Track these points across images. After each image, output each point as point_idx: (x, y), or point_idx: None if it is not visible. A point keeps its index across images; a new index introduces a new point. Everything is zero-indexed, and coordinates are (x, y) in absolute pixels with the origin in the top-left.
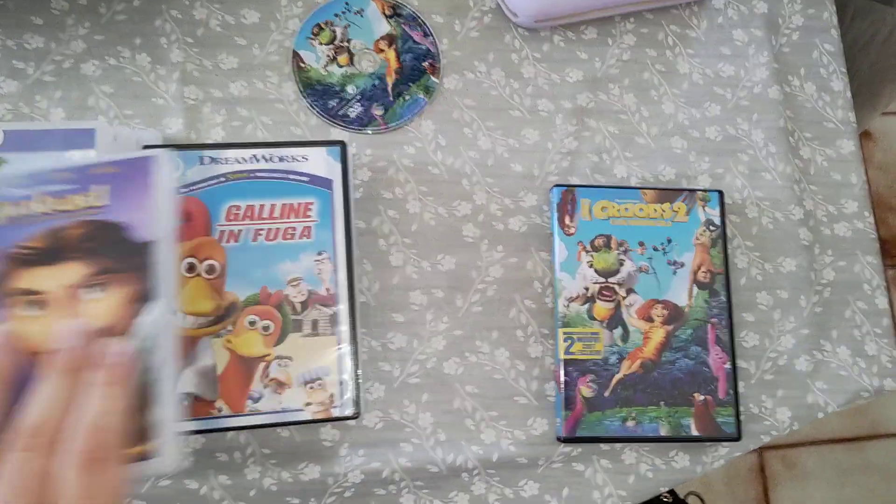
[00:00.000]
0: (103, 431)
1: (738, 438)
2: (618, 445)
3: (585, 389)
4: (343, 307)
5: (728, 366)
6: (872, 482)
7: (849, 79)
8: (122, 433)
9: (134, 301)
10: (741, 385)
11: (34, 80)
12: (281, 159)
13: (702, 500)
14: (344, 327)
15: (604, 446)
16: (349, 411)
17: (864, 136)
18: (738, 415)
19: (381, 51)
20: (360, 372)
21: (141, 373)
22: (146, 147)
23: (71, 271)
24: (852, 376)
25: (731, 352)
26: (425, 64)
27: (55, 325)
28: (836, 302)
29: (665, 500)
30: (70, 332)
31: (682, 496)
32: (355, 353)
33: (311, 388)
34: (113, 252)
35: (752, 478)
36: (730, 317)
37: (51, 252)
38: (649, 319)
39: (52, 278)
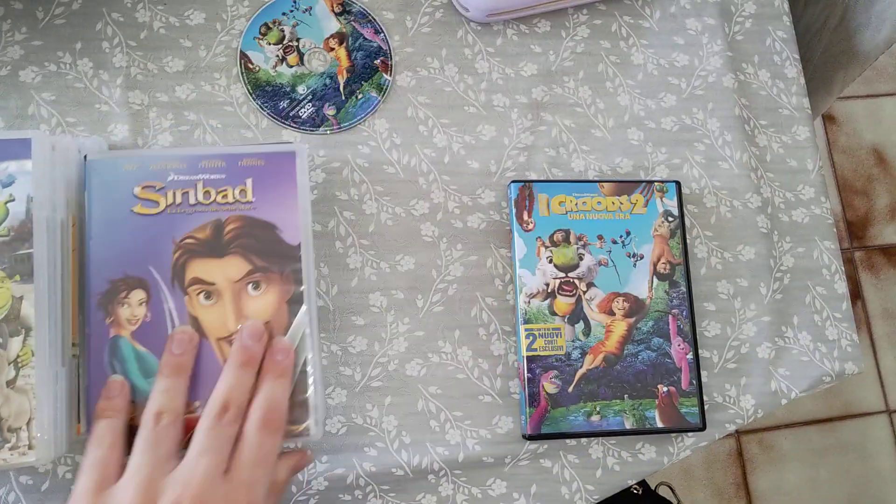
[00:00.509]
0: (275, 408)
1: (702, 428)
2: (584, 440)
3: (549, 385)
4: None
5: (690, 356)
6: (847, 461)
7: (803, 64)
8: (286, 409)
9: (286, 302)
10: (704, 374)
11: None
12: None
13: (672, 490)
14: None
15: (570, 442)
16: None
17: (829, 119)
18: (702, 405)
19: (332, 49)
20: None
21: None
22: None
23: (234, 267)
24: (814, 361)
25: (693, 342)
26: (377, 61)
27: (242, 325)
28: (795, 288)
29: (634, 491)
30: (251, 332)
31: (653, 486)
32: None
33: None
34: (267, 252)
35: (730, 462)
36: (690, 307)
37: (215, 244)
38: (610, 313)
39: (219, 270)
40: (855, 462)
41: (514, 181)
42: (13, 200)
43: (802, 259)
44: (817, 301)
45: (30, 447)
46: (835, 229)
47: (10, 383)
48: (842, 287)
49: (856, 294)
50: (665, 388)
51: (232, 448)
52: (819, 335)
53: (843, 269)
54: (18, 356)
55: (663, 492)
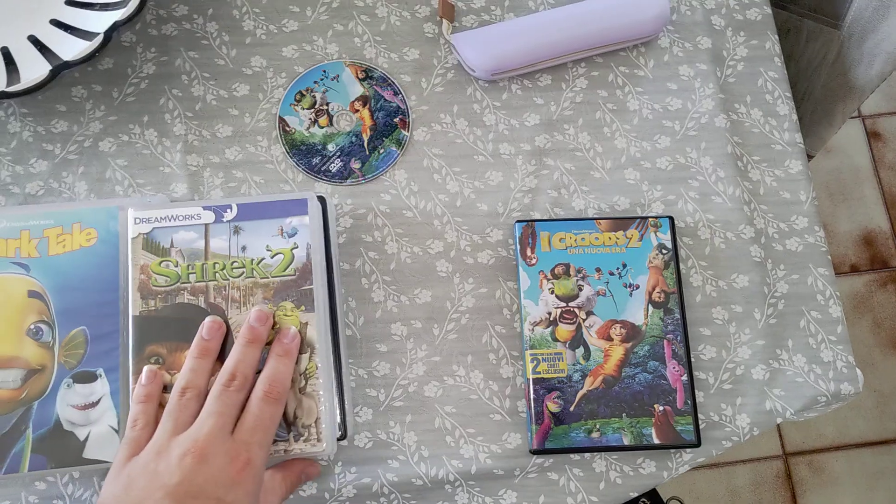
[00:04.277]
0: (277, 381)
1: (697, 444)
2: (588, 455)
3: (552, 405)
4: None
5: (685, 378)
6: None
7: (806, 98)
8: (288, 384)
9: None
10: (700, 395)
11: (61, 159)
12: None
13: None
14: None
15: (575, 456)
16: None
17: (874, 136)
18: (696, 422)
19: (357, 111)
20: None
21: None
22: None
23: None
24: (808, 382)
25: (688, 365)
26: (396, 119)
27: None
28: (790, 313)
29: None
30: (258, 316)
31: (665, 500)
32: (340, 383)
33: None
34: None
35: (779, 484)
36: (684, 332)
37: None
38: (608, 338)
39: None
40: None
41: (518, 221)
42: (297, 248)
43: (796, 286)
44: (812, 325)
45: (318, 440)
46: (829, 256)
47: (301, 390)
48: (837, 311)
49: None
50: (661, 408)
51: (238, 414)
52: (814, 357)
53: (837, 294)
54: (307, 369)
55: None
